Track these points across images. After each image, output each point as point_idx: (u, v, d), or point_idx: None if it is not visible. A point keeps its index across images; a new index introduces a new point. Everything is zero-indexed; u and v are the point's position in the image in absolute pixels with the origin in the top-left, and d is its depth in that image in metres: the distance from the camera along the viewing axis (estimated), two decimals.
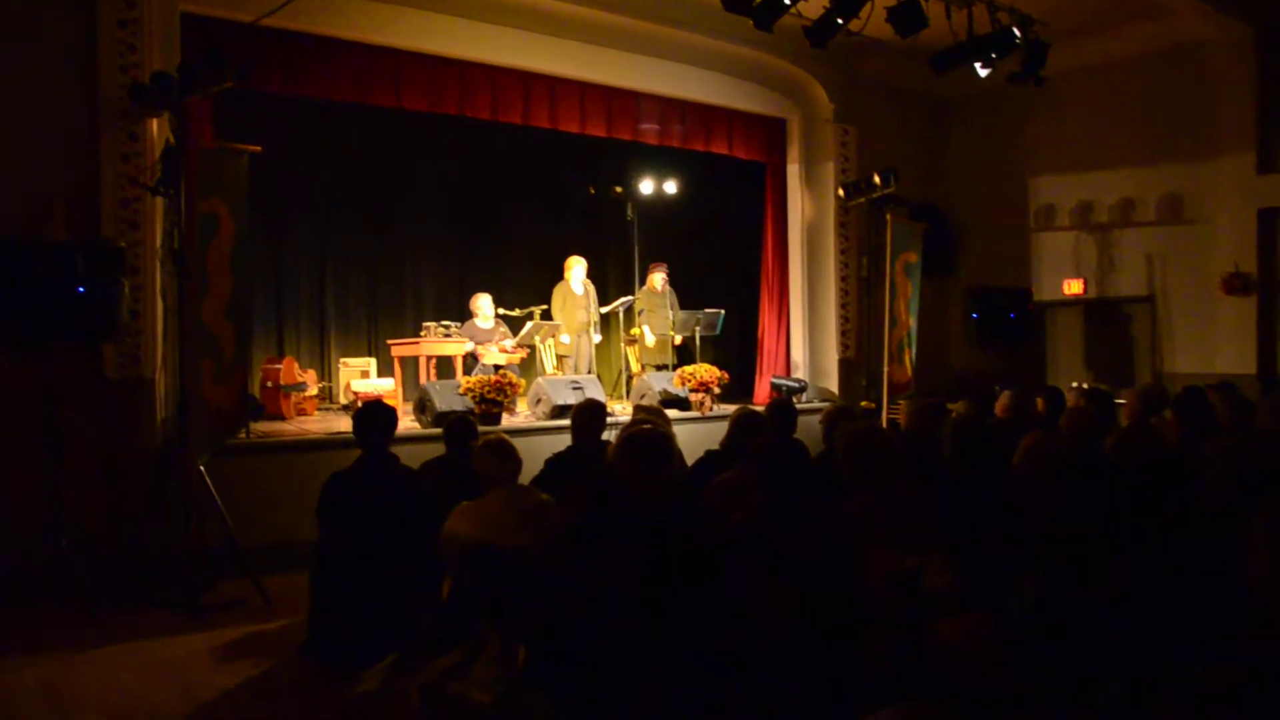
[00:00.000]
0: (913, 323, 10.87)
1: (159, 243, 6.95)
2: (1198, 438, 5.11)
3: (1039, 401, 7.01)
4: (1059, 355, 11.98)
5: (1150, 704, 2.13)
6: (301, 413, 9.67)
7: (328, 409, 10.39)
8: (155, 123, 6.98)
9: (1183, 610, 2.80)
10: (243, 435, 7.35)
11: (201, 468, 6.23)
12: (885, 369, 10.37)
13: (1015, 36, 8.03)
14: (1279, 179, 9.90)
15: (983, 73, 8.24)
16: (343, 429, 7.69)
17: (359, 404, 8.63)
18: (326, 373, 10.98)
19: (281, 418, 9.25)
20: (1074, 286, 11.56)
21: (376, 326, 11.51)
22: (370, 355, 11.12)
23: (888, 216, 10.32)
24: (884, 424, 9.45)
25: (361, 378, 10.47)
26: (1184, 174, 10.60)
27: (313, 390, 9.92)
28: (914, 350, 10.87)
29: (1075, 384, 10.02)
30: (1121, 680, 2.30)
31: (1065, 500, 3.65)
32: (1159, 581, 2.95)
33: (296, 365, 9.80)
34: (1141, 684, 2.21)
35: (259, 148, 6.93)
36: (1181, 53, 10.51)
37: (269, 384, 9.43)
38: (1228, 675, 1.99)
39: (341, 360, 10.79)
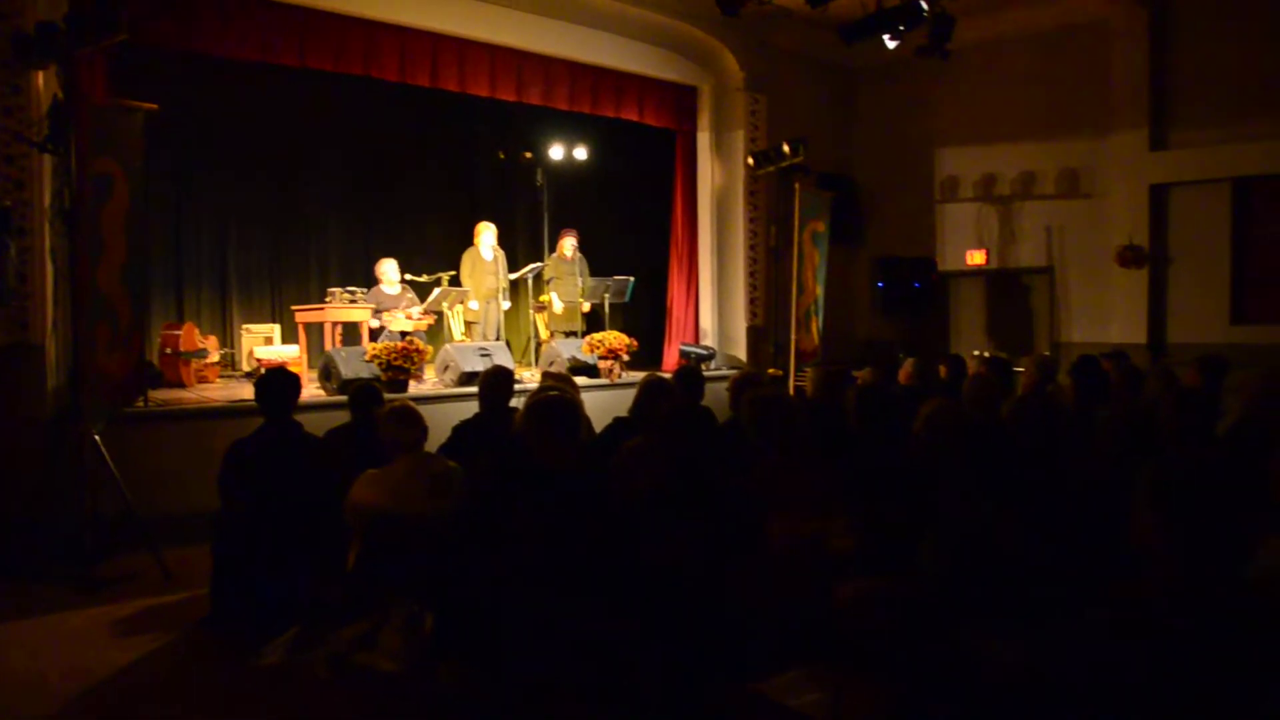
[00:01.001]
0: (820, 291, 11.04)
1: (48, 203, 6.64)
2: (1091, 403, 5.31)
3: (942, 369, 7.18)
4: (961, 324, 12.29)
5: (1037, 652, 2.22)
6: (202, 380, 9.42)
7: (230, 376, 10.14)
8: (41, 75, 6.62)
9: (1073, 565, 2.91)
10: (140, 403, 7.13)
11: (97, 437, 6.04)
12: (793, 337, 10.54)
13: (923, 10, 8.13)
14: (1169, 156, 10.28)
15: (891, 45, 8.33)
16: (245, 397, 7.51)
17: (262, 371, 8.45)
18: (228, 339, 10.71)
19: (182, 385, 9.00)
20: (976, 257, 11.83)
21: (280, 292, 11.25)
22: (274, 321, 10.87)
23: (796, 186, 10.44)
24: (790, 391, 9.59)
25: (265, 344, 10.24)
26: (1081, 149, 10.93)
27: (214, 357, 9.67)
28: (821, 318, 11.06)
29: (977, 352, 10.28)
30: (1013, 635, 2.38)
31: (965, 464, 3.75)
32: (1051, 539, 3.05)
33: (197, 331, 9.53)
34: (1031, 636, 2.30)
35: (155, 106, 6.69)
36: (1080, 31, 10.83)
37: (168, 350, 9.15)
38: (1108, 624, 2.08)
39: (244, 326, 10.53)
